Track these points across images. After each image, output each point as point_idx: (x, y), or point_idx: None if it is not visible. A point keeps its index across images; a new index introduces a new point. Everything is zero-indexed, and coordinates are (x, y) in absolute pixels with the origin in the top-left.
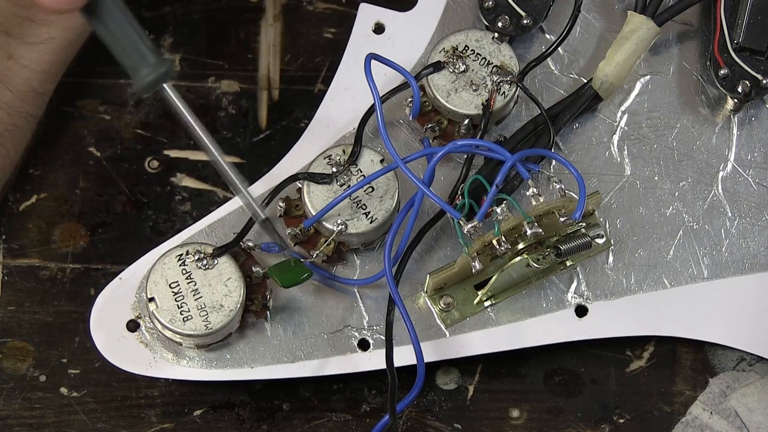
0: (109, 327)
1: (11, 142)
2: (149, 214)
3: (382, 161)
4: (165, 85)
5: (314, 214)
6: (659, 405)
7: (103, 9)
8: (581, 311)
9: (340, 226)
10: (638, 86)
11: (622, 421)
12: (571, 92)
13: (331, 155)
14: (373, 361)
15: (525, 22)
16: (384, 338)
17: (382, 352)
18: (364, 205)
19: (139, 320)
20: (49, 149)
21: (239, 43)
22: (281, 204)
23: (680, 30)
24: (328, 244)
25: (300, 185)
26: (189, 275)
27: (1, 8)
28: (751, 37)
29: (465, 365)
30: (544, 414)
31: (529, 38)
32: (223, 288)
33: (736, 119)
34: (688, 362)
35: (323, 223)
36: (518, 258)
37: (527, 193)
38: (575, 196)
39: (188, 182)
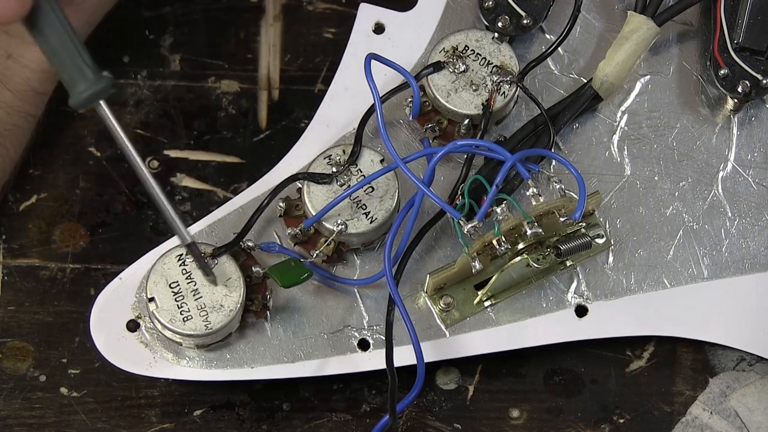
0: (109, 327)
1: (11, 141)
2: (149, 214)
3: (382, 161)
4: (101, 103)
5: (314, 214)
6: (659, 405)
7: (43, 21)
8: (581, 311)
9: (340, 226)
10: (638, 86)
11: (622, 421)
12: (571, 92)
13: (331, 155)
14: (373, 361)
15: (525, 22)
16: (384, 338)
17: (382, 352)
18: (364, 205)
19: (139, 320)
20: (49, 149)
21: (239, 43)
22: (281, 204)
23: (680, 30)
24: (328, 244)
25: (300, 185)
26: (189, 275)
27: None
28: (751, 37)
29: (465, 365)
30: (544, 414)
31: (529, 38)
32: (223, 288)
33: (736, 119)
34: (688, 362)
35: (323, 223)
36: (518, 258)
37: (527, 193)
38: (575, 196)
39: (188, 182)
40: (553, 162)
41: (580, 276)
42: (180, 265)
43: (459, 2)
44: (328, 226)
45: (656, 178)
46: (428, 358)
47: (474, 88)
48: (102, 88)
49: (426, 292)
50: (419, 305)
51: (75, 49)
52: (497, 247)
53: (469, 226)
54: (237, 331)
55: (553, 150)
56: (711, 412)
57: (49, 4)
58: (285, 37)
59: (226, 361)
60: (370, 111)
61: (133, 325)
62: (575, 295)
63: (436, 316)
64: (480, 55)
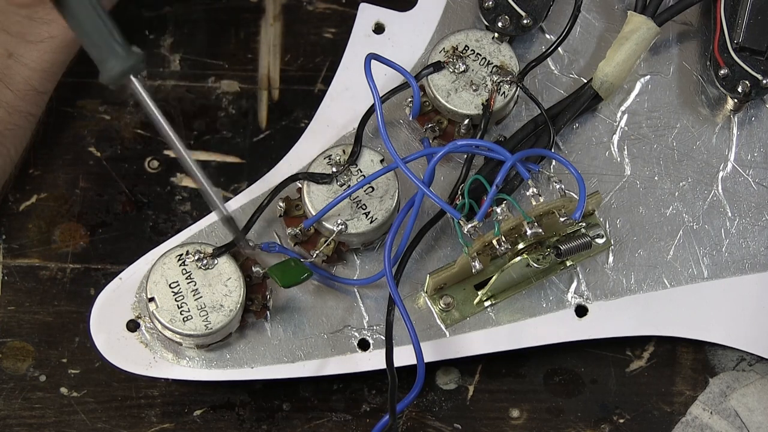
0: (109, 327)
1: (11, 141)
2: (149, 214)
3: (382, 161)
4: (133, 78)
5: (314, 214)
6: (659, 405)
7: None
8: (581, 311)
9: (340, 226)
10: (638, 86)
11: (622, 421)
12: (571, 92)
13: (331, 155)
14: (373, 361)
15: (525, 22)
16: (384, 338)
17: (382, 352)
18: (364, 205)
19: (139, 320)
20: (49, 149)
21: (239, 43)
22: (281, 204)
23: (680, 30)
24: (328, 244)
25: (300, 185)
26: (189, 275)
27: (0, 7)
28: (751, 37)
29: (465, 365)
30: (544, 414)
31: (529, 38)
32: (223, 288)
33: (736, 119)
34: (688, 362)
35: (323, 223)
36: (518, 258)
37: (527, 193)
38: (575, 196)
39: (188, 182)
40: (553, 162)
41: (580, 276)
42: (180, 265)
43: (459, 2)
44: (328, 226)
45: (656, 178)
46: (428, 358)
47: (474, 88)
48: (133, 63)
49: (426, 292)
50: (419, 305)
51: (103, 25)
52: (497, 247)
53: (469, 226)
54: (237, 331)
55: (553, 150)
56: (711, 412)
57: None
58: (285, 37)
59: (226, 361)
60: (370, 111)
61: (133, 325)
62: (575, 295)
63: (436, 316)
64: (480, 55)
